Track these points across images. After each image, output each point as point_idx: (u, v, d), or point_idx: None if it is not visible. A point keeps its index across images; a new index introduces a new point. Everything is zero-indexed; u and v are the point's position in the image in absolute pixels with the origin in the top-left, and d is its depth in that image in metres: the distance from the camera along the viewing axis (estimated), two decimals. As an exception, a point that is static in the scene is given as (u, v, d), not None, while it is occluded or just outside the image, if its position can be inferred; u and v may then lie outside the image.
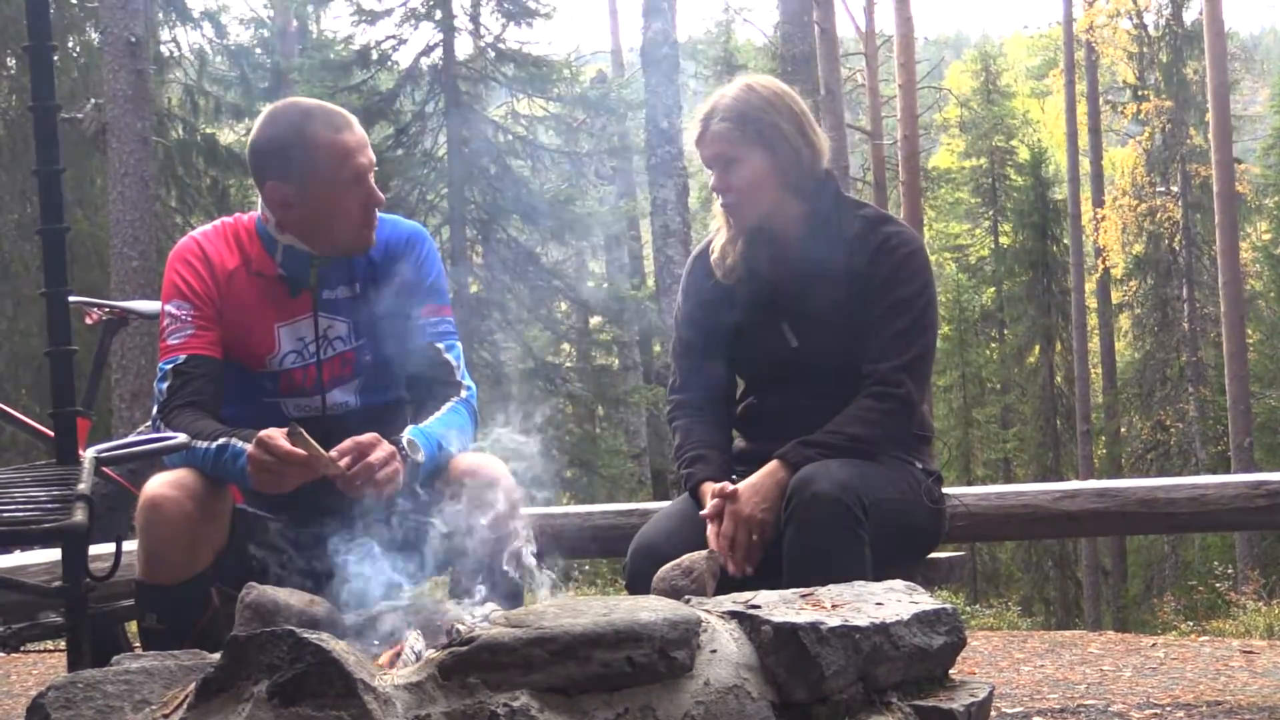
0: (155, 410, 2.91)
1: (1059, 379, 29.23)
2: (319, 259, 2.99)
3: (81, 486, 2.32)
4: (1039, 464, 28.22)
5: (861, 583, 2.51)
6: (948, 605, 2.39)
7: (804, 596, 2.37)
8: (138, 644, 3.02)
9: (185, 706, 1.99)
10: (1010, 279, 30.77)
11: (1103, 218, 28.16)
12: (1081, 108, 28.88)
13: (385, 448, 2.74)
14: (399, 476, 2.75)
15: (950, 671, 2.38)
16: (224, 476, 2.78)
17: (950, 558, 3.40)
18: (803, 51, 15.09)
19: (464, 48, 16.58)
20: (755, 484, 2.98)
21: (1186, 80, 27.17)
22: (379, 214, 3.02)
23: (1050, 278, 29.54)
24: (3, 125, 17.65)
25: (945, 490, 3.26)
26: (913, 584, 2.50)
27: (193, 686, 2.01)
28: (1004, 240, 31.90)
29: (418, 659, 2.17)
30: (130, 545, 2.77)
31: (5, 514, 2.35)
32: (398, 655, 2.31)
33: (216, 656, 2.05)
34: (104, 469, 3.88)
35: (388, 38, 16.77)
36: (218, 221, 3.09)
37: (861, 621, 2.22)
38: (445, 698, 1.97)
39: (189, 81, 19.21)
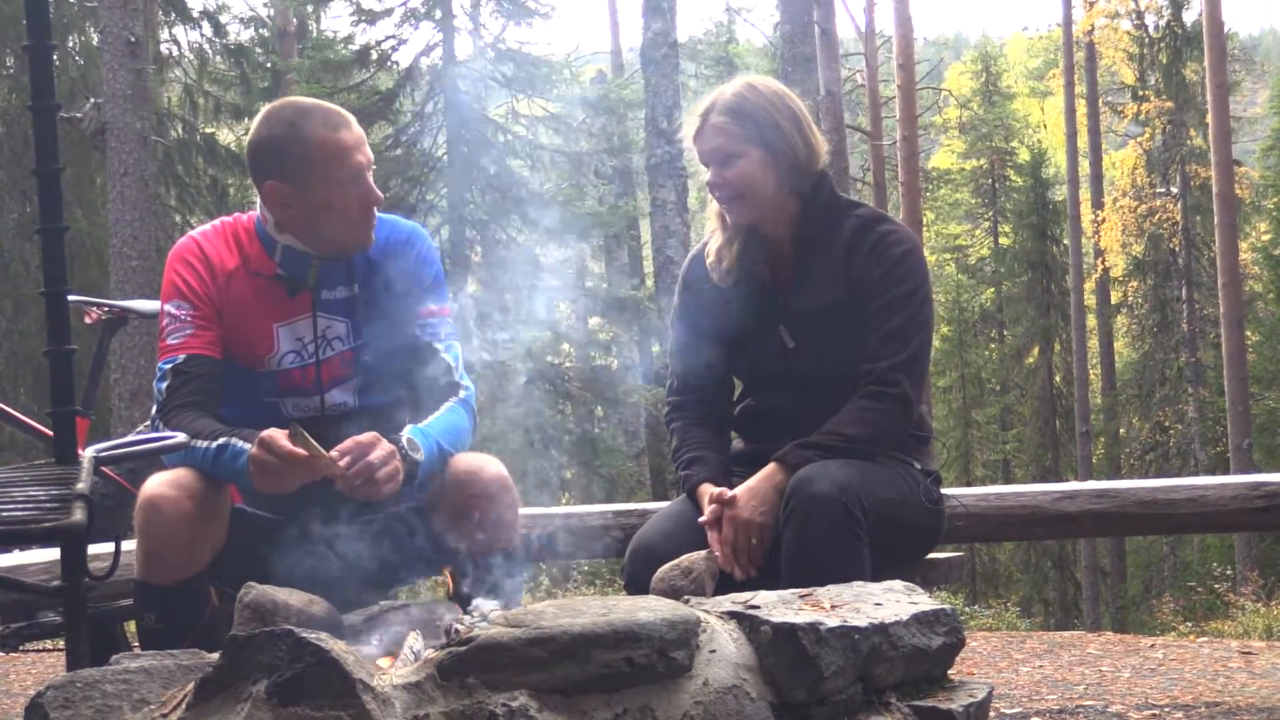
0: (154, 410, 2.91)
1: (1058, 380, 29.25)
2: (318, 259, 2.99)
3: (80, 486, 2.32)
4: (1038, 465, 28.24)
5: (860, 583, 2.51)
6: (946, 606, 2.39)
7: (803, 597, 2.37)
8: (136, 643, 3.02)
9: (184, 706, 1.99)
10: (1010, 280, 30.79)
11: (1102, 219, 28.18)
12: (1081, 109, 28.90)
13: (385, 447, 2.74)
14: (398, 476, 2.75)
15: (949, 672, 2.38)
16: (223, 476, 2.78)
17: (949, 558, 3.40)
18: (803, 52, 15.09)
19: (464, 48, 16.60)
20: (753, 488, 2.98)
21: (1186, 81, 27.16)
22: (378, 213, 3.02)
23: (1050, 278, 29.57)
24: (2, 124, 17.66)
25: (944, 491, 3.26)
26: (911, 584, 2.50)
27: (191, 686, 2.01)
28: (1004, 241, 31.93)
29: (417, 659, 2.17)
30: (129, 545, 2.77)
31: (4, 513, 2.34)
32: (397, 655, 2.31)
33: (215, 656, 2.05)
34: (103, 468, 3.88)
35: (387, 38, 16.78)
36: (217, 221, 3.09)
37: (860, 622, 2.22)
38: (444, 698, 1.97)
39: (188, 81, 19.22)
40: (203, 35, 19.31)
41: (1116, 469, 26.67)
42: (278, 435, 2.69)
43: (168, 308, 2.95)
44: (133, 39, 12.47)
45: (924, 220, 26.64)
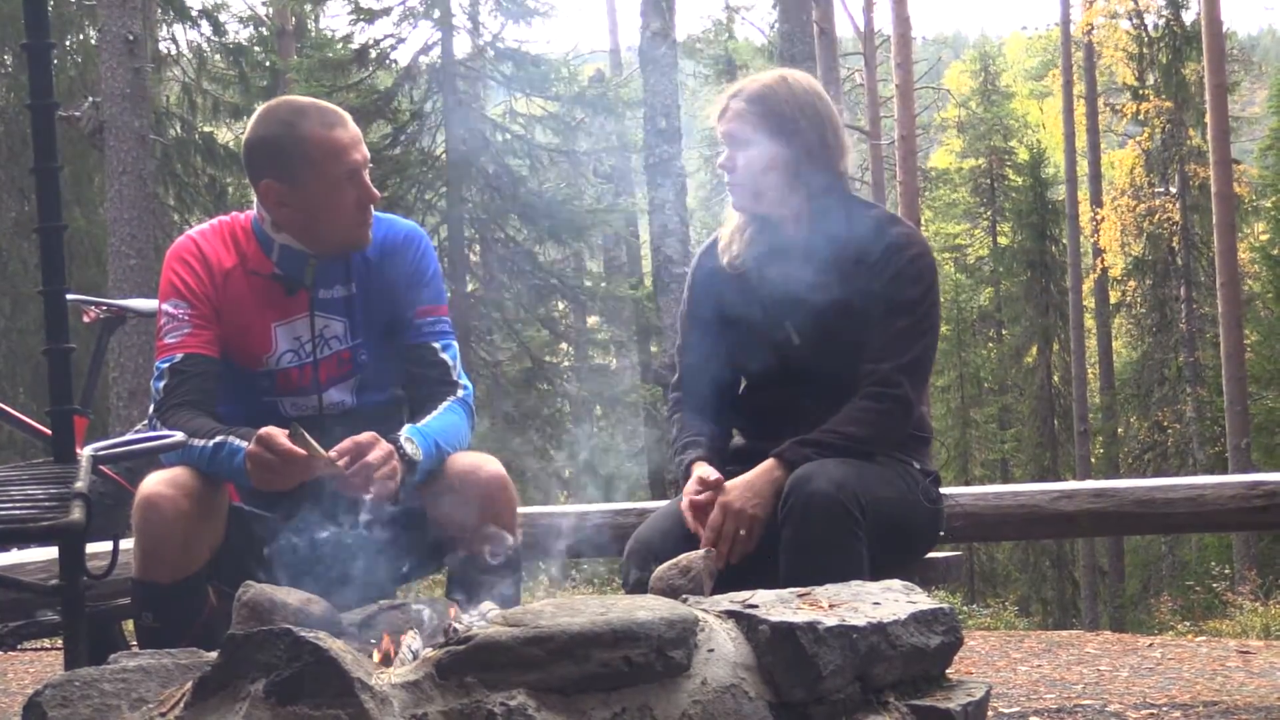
0: (152, 409, 2.91)
1: (1057, 379, 29.25)
2: (315, 258, 2.99)
3: (79, 485, 2.32)
4: (1037, 464, 28.25)
5: (859, 582, 2.51)
6: (945, 605, 2.39)
7: (801, 596, 2.37)
8: (134, 642, 3.02)
9: (182, 705, 1.99)
10: (1008, 279, 30.80)
11: (1101, 218, 28.18)
12: (1080, 108, 28.90)
13: (383, 447, 2.74)
14: (396, 476, 2.75)
15: (947, 671, 2.38)
16: (221, 474, 2.78)
17: (947, 557, 3.41)
18: (801, 51, 15.09)
19: (462, 46, 16.58)
20: (749, 480, 2.98)
21: (1185, 81, 27.16)
22: (376, 213, 3.02)
23: (1048, 278, 29.57)
24: (0, 123, 17.64)
25: (942, 490, 3.26)
26: (910, 584, 2.50)
27: (190, 685, 2.01)
28: (1002, 240, 31.93)
29: (415, 658, 2.17)
30: (127, 543, 2.77)
31: (3, 512, 2.34)
32: (395, 654, 2.31)
33: (214, 655, 2.05)
34: (101, 467, 3.89)
35: (386, 36, 16.76)
36: (214, 220, 3.09)
37: (859, 621, 2.22)
38: (442, 696, 1.97)
39: (187, 80, 19.22)
40: (201, 34, 19.32)
41: (1115, 468, 26.68)
42: (276, 433, 2.69)
43: (165, 307, 2.95)
44: (131, 37, 12.46)
45: (922, 219, 26.66)
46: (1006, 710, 3.93)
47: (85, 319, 4.65)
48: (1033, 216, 29.96)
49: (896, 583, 2.49)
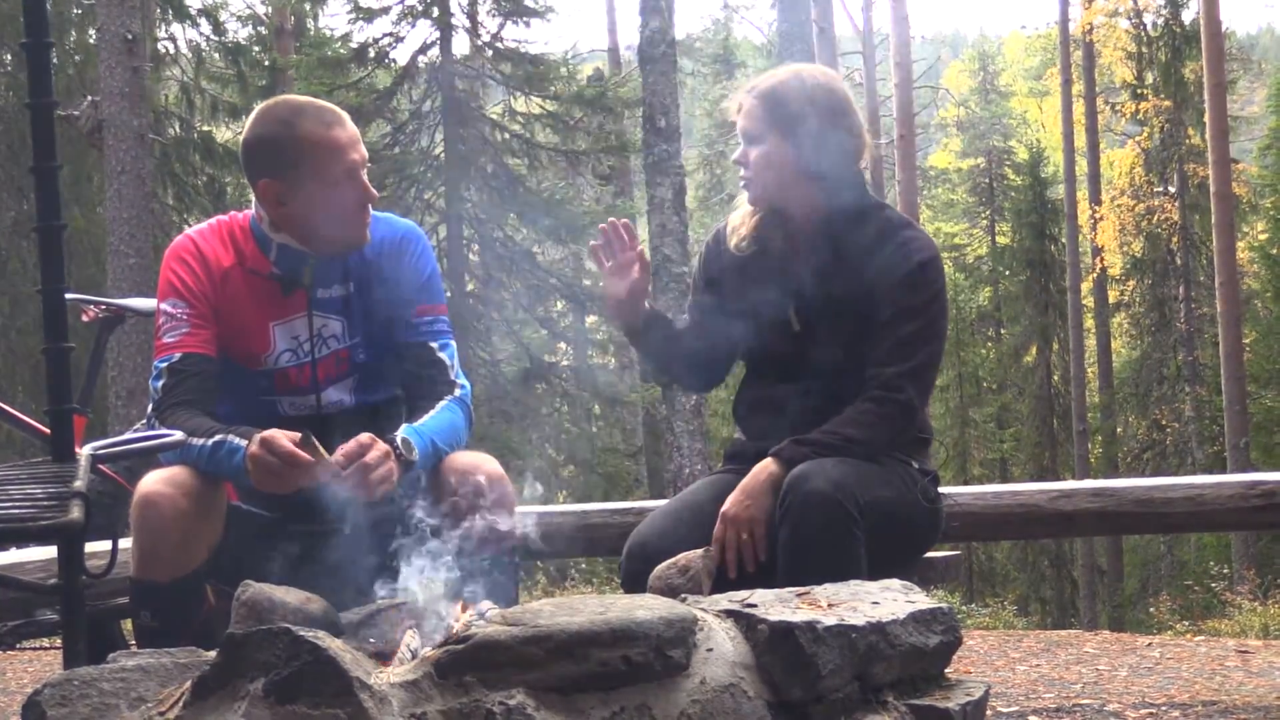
0: (150, 408, 2.91)
1: (1056, 379, 29.25)
2: (313, 257, 2.99)
3: (78, 484, 2.32)
4: (1036, 463, 28.25)
5: (857, 582, 2.50)
6: (944, 605, 2.39)
7: (800, 595, 2.37)
8: (133, 641, 3.02)
9: (181, 704, 1.99)
10: (1007, 279, 30.80)
11: (1100, 217, 28.19)
12: (1079, 107, 28.90)
13: (380, 448, 2.74)
14: (393, 476, 2.75)
15: (946, 671, 2.38)
16: (220, 474, 2.78)
17: (946, 557, 3.41)
18: (800, 50, 15.08)
19: (461, 46, 16.57)
20: (743, 485, 2.98)
21: (1185, 80, 27.17)
22: (374, 212, 3.02)
23: (1047, 277, 29.56)
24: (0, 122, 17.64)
25: (941, 490, 3.26)
26: (909, 583, 2.50)
27: (189, 684, 2.01)
28: (1001, 240, 31.93)
29: (414, 657, 2.17)
30: (126, 542, 2.77)
31: (1, 511, 2.34)
32: (394, 653, 2.31)
33: (212, 654, 2.05)
34: (100, 466, 3.88)
35: (385, 35, 16.76)
36: (213, 220, 3.09)
37: (858, 621, 2.22)
38: (441, 696, 1.97)
39: (186, 79, 19.20)
40: (200, 33, 19.29)
41: (1114, 468, 26.68)
42: (278, 435, 2.69)
43: (164, 306, 2.95)
44: (130, 37, 12.45)
45: (921, 219, 26.65)
46: (1005, 710, 3.93)
47: (84, 318, 4.65)
48: (1032, 216, 29.96)
49: (895, 582, 2.49)
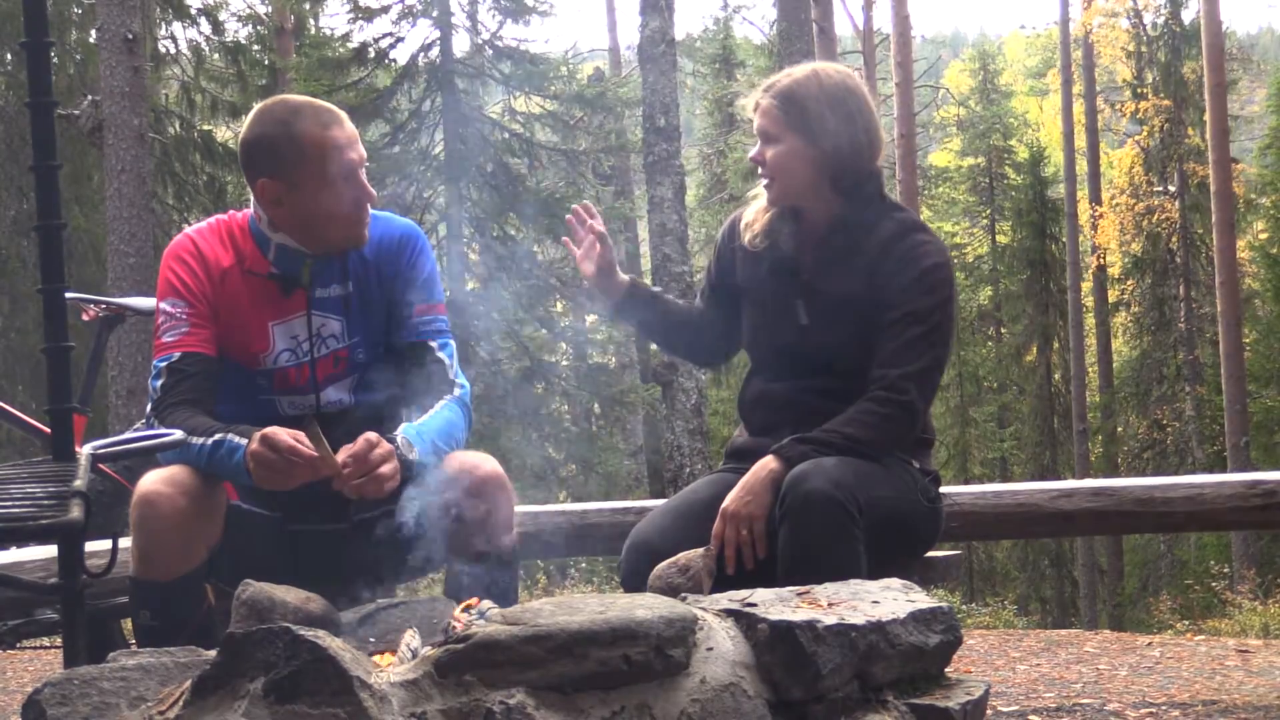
0: (149, 407, 2.91)
1: (1056, 378, 29.25)
2: (312, 257, 2.99)
3: (78, 483, 2.32)
4: (1036, 463, 28.24)
5: (858, 581, 2.51)
6: (944, 604, 2.39)
7: (800, 595, 2.37)
8: (133, 641, 3.02)
9: (181, 703, 1.99)
10: (1008, 278, 30.78)
11: (1100, 216, 28.19)
12: (1079, 107, 28.91)
13: (383, 448, 2.74)
14: (395, 476, 2.75)
15: (946, 670, 2.38)
16: (219, 473, 2.78)
17: (946, 556, 3.41)
18: (800, 50, 15.07)
19: (461, 45, 16.56)
20: (744, 481, 2.99)
21: (1184, 80, 27.17)
22: (373, 212, 3.02)
23: (1048, 277, 29.56)
24: (0, 121, 17.63)
25: (941, 490, 3.27)
26: (909, 582, 2.50)
27: (189, 684, 2.01)
28: (1001, 239, 31.91)
29: (414, 656, 2.17)
30: (126, 542, 2.77)
31: (2, 510, 2.34)
32: (394, 653, 2.31)
33: (213, 653, 2.05)
34: (100, 465, 3.88)
35: (385, 35, 16.75)
36: (212, 219, 3.09)
37: (858, 620, 2.22)
38: (441, 695, 1.97)
39: (186, 78, 19.20)
40: (200, 32, 19.30)
41: (1114, 467, 26.69)
42: (280, 432, 2.69)
43: (163, 306, 2.95)
44: (130, 36, 12.44)
45: (922, 218, 26.59)
46: (1005, 709, 3.93)
47: (84, 317, 4.65)
48: (1032, 215, 29.95)
49: (895, 581, 2.49)
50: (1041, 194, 30.17)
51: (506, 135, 16.67)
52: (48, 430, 3.03)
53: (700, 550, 2.79)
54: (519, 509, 3.01)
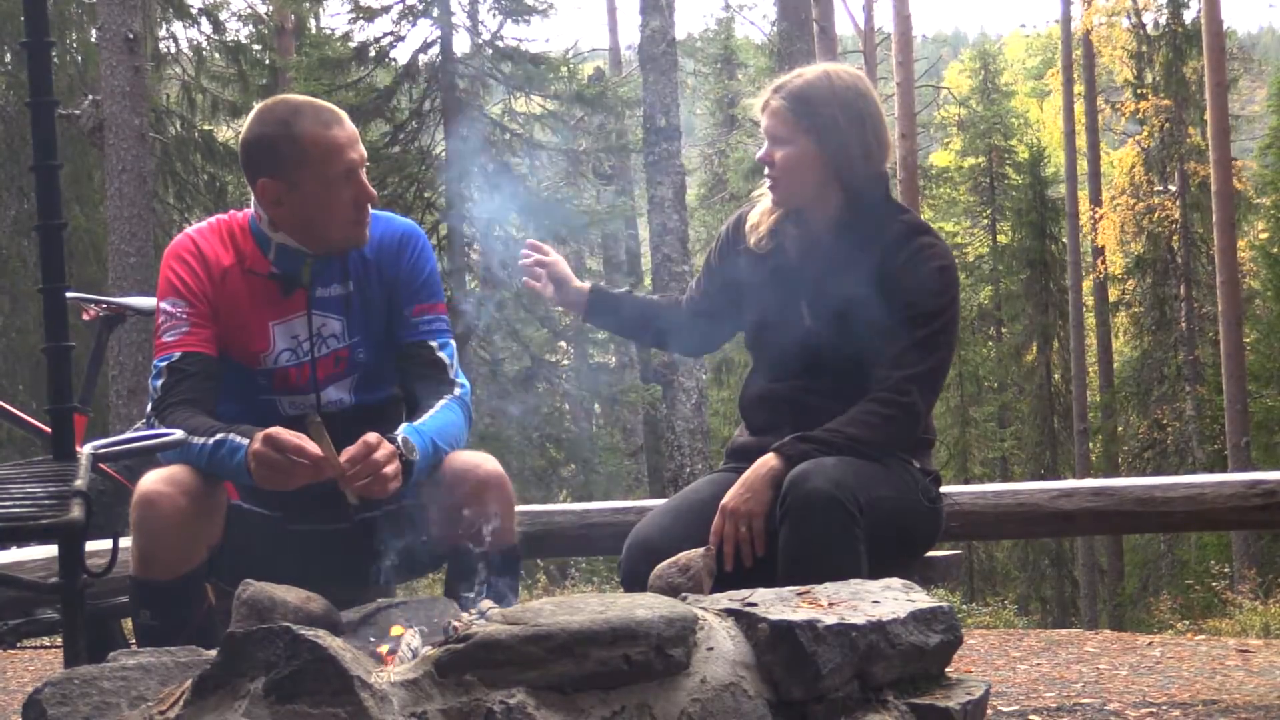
0: (150, 407, 2.91)
1: (1056, 378, 29.24)
2: (312, 256, 2.99)
3: (78, 482, 2.32)
4: (1036, 463, 28.24)
5: (858, 581, 2.51)
6: (944, 604, 2.39)
7: (801, 594, 2.37)
8: (134, 640, 3.02)
9: (182, 703, 1.99)
10: (1008, 278, 30.77)
11: (1101, 216, 28.18)
12: (1080, 107, 28.90)
13: (386, 449, 2.74)
14: (398, 477, 2.75)
15: (947, 670, 2.38)
16: (220, 473, 2.78)
17: (947, 556, 3.41)
18: (801, 49, 15.08)
19: (462, 45, 16.56)
20: (744, 478, 2.99)
21: (1185, 79, 27.16)
22: (373, 211, 3.02)
23: (1048, 276, 29.56)
24: (0, 121, 17.64)
25: (942, 489, 3.27)
26: (909, 582, 2.50)
27: (189, 683, 2.01)
28: (1002, 239, 31.91)
29: (414, 656, 2.17)
30: (127, 541, 2.77)
31: (2, 510, 2.34)
32: (394, 652, 2.31)
33: (213, 653, 2.05)
34: (101, 465, 3.89)
35: (385, 35, 16.74)
36: (212, 219, 3.09)
37: (858, 620, 2.22)
38: (442, 695, 1.97)
39: (186, 78, 19.21)
40: (201, 32, 19.31)
41: (1114, 467, 26.67)
42: (283, 432, 2.69)
43: (164, 305, 2.95)
44: (131, 36, 12.45)
45: (922, 217, 26.57)
46: (1006, 709, 3.93)
47: (85, 317, 4.66)
48: (1032, 215, 29.95)
49: (896, 581, 2.49)
50: (1042, 194, 30.17)
51: (507, 135, 16.67)
52: (48, 430, 3.04)
53: (700, 550, 2.79)
54: (519, 509, 3.01)
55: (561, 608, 2.10)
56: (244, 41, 19.79)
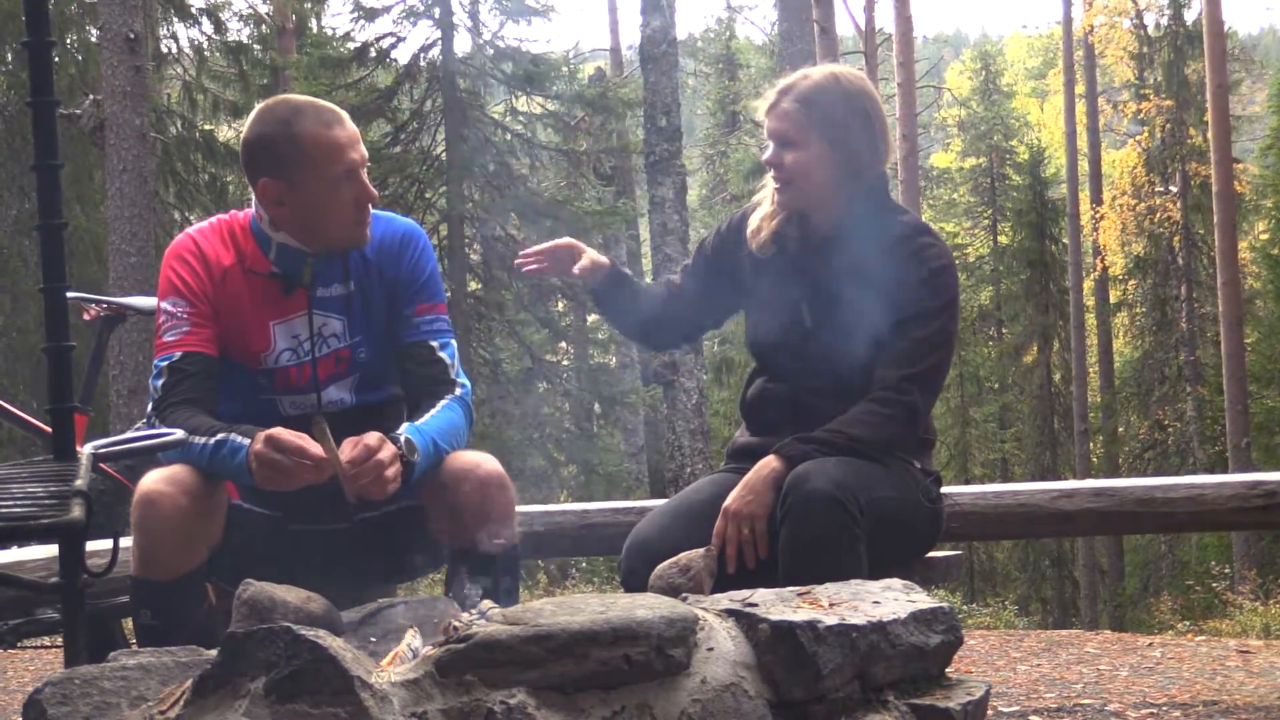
0: (151, 407, 2.91)
1: (1057, 378, 29.25)
2: (313, 256, 2.99)
3: (79, 482, 2.32)
4: (1037, 463, 28.24)
5: (859, 581, 2.51)
6: (945, 604, 2.39)
7: (801, 595, 2.37)
8: (134, 640, 3.02)
9: (182, 703, 1.99)
10: (1009, 278, 30.79)
11: (1101, 216, 28.19)
12: (1081, 107, 28.91)
13: (389, 450, 2.73)
14: (398, 479, 2.75)
15: (947, 670, 2.38)
16: (221, 473, 2.78)
17: (947, 557, 3.41)
18: (802, 50, 15.09)
19: (462, 45, 16.57)
20: (746, 480, 3.00)
21: (1186, 80, 27.16)
22: (374, 211, 3.02)
23: (1049, 277, 29.57)
24: (1, 121, 17.64)
25: (942, 490, 3.27)
26: (910, 583, 2.50)
27: (189, 683, 2.01)
28: (1002, 239, 31.93)
29: (415, 656, 2.17)
30: (127, 541, 2.77)
31: (2, 510, 2.34)
32: (395, 652, 2.31)
33: (213, 653, 2.05)
34: (101, 465, 3.89)
35: (386, 35, 16.75)
36: (213, 219, 3.09)
37: (859, 620, 2.22)
38: (442, 695, 1.97)
39: (187, 78, 19.20)
40: (202, 32, 19.29)
41: (1115, 467, 26.68)
42: (284, 433, 2.69)
43: (164, 305, 2.95)
44: (132, 35, 12.44)
45: (922, 218, 26.59)
46: (1006, 709, 3.93)
47: (85, 316, 4.66)
48: (1033, 215, 29.96)
49: (896, 582, 2.49)
50: (1042, 194, 30.19)
51: (508, 135, 16.67)
52: (49, 429, 3.04)
53: (701, 550, 2.79)
54: (520, 509, 3.01)
55: (562, 608, 2.10)
56: (245, 41, 19.79)
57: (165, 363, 2.90)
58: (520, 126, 17.06)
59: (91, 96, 13.43)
